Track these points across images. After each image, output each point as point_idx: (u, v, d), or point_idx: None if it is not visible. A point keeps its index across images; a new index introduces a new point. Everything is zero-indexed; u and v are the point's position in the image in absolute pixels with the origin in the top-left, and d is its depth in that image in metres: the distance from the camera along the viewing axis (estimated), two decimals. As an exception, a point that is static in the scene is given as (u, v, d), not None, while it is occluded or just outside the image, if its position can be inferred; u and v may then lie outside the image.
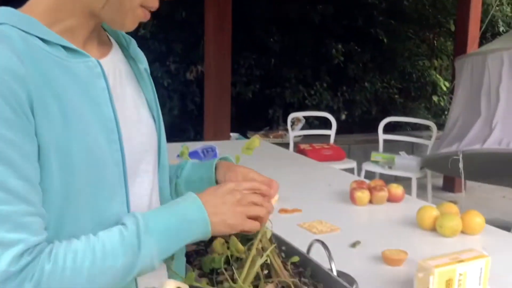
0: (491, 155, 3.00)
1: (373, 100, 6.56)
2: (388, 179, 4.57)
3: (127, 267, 0.73)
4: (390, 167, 4.18)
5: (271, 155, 2.99)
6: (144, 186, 0.87)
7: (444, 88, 6.93)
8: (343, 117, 6.34)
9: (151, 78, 0.94)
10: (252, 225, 0.86)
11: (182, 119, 5.54)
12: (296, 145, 4.52)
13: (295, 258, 1.01)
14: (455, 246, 1.62)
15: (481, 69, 3.19)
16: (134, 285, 0.80)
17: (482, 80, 3.17)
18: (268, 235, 1.01)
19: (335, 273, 1.05)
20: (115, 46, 0.89)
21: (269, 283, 0.89)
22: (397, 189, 2.04)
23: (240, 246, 0.90)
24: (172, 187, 1.04)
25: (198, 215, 0.80)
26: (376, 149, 4.50)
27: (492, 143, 2.89)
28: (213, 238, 0.90)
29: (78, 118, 0.73)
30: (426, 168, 4.13)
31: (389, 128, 4.69)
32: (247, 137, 4.98)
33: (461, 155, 3.00)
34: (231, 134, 4.94)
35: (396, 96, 6.80)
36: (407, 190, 3.96)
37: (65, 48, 0.76)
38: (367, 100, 6.48)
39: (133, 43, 0.93)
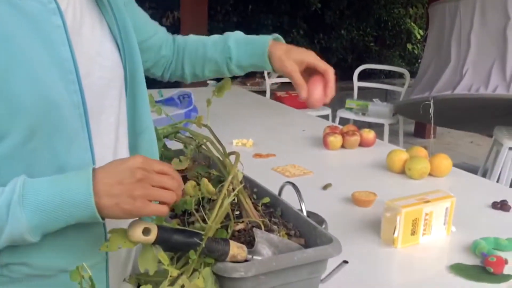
0: (461, 100, 3.05)
1: (349, 48, 6.54)
2: (362, 126, 4.64)
3: None
4: (363, 114, 4.23)
5: (248, 102, 2.99)
6: (109, 121, 0.84)
7: (419, 36, 6.94)
8: (319, 64, 6.32)
9: (113, 2, 0.86)
10: (155, 210, 0.71)
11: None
12: (273, 92, 4.52)
13: (266, 199, 1.03)
14: (423, 188, 1.67)
15: (453, 16, 3.19)
16: (102, 227, 0.80)
17: (453, 27, 3.18)
18: (240, 178, 1.02)
19: (305, 213, 1.08)
20: None
21: (240, 223, 0.92)
22: (368, 134, 2.08)
23: (210, 188, 0.91)
24: (224, 69, 1.12)
25: (82, 198, 0.67)
26: (351, 96, 4.53)
27: (462, 89, 2.94)
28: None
29: (28, 61, 0.69)
30: (398, 115, 4.19)
31: (364, 76, 4.71)
32: (223, 85, 4.94)
33: (432, 101, 3.04)
34: (208, 81, 4.89)
35: (372, 44, 6.79)
36: (380, 136, 4.05)
37: None
38: (343, 47, 6.45)
39: None
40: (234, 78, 5.24)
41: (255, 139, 2.08)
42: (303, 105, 4.23)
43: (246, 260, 0.79)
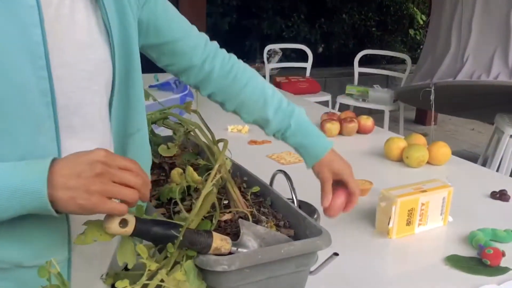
0: (462, 87, 3.01)
1: (351, 33, 6.46)
2: (362, 112, 4.59)
3: None
4: (364, 100, 4.18)
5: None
6: (87, 117, 0.78)
7: (421, 22, 6.85)
8: (320, 49, 6.25)
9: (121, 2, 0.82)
10: (111, 208, 0.65)
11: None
12: (272, 78, 4.46)
13: (255, 188, 1.00)
14: (421, 176, 1.64)
15: (455, 1, 3.12)
16: (65, 222, 0.75)
17: (454, 13, 3.12)
18: (228, 166, 0.99)
19: (296, 202, 1.05)
20: None
21: (226, 213, 0.88)
22: (367, 120, 2.04)
23: (196, 176, 0.87)
24: (269, 131, 1.06)
25: (35, 188, 0.63)
26: (352, 82, 4.48)
27: (464, 76, 2.89)
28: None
29: None
30: (399, 101, 4.14)
31: (365, 62, 4.65)
32: (222, 70, 4.88)
33: (433, 87, 3.00)
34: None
35: (373, 29, 6.70)
36: (380, 122, 4.01)
37: None
38: (344, 32, 6.37)
39: None
40: (233, 63, 5.13)
41: (251, 125, 2.03)
42: (302, 90, 4.19)
43: (230, 253, 0.76)
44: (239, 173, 1.10)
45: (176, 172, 0.94)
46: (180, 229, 0.70)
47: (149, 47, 0.95)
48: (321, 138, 1.04)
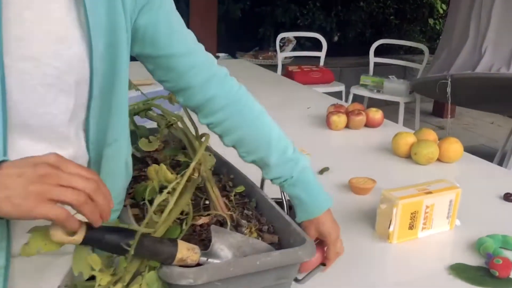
0: (481, 80, 2.87)
1: (368, 21, 6.29)
2: (377, 103, 4.47)
3: None
4: (378, 91, 4.06)
5: (252, 77, 2.85)
6: (48, 117, 0.71)
7: (441, 11, 6.63)
8: (336, 38, 6.10)
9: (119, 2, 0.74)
10: (46, 212, 0.57)
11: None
12: (285, 67, 4.36)
13: (240, 188, 0.92)
14: (430, 174, 1.54)
15: (475, -10, 2.98)
16: (4, 227, 0.68)
17: (474, 2, 2.97)
18: (210, 163, 0.91)
19: (285, 204, 0.97)
20: None
21: (203, 216, 0.81)
22: (375, 113, 1.94)
23: (169, 175, 0.80)
24: (268, 176, 0.93)
25: None
26: (367, 72, 4.35)
27: (483, 69, 2.75)
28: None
29: None
30: (415, 93, 4.01)
31: (382, 51, 4.51)
32: (235, 58, 4.80)
33: (449, 79, 2.87)
34: (219, 54, 4.75)
35: (392, 17, 6.52)
36: (395, 115, 3.89)
37: None
38: (361, 21, 6.21)
39: None
40: (246, 50, 5.07)
41: (254, 116, 1.95)
42: (314, 80, 4.08)
43: (199, 264, 0.68)
44: (226, 171, 1.02)
45: (153, 169, 0.86)
46: (137, 237, 0.62)
47: (145, 57, 0.85)
48: (321, 196, 0.94)
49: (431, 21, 6.67)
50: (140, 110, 1.03)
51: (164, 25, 0.83)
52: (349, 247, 1.10)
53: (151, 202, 0.79)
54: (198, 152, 0.83)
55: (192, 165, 0.79)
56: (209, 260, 0.69)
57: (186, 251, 0.66)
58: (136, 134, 1.13)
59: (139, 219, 0.83)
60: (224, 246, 0.71)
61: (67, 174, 0.59)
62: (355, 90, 4.15)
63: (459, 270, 1.03)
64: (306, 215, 0.92)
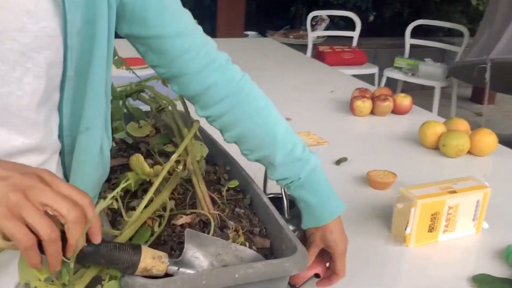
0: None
1: (406, 0, 6.02)
2: (411, 88, 4.27)
3: None
4: (413, 75, 3.86)
5: (276, 57, 2.73)
6: (12, 98, 0.62)
7: (486, -10, 6.29)
8: (371, 18, 5.87)
9: None
10: (13, 230, 0.49)
11: (196, 12, 5.20)
12: (315, 47, 4.20)
13: (234, 183, 0.82)
14: (458, 169, 1.41)
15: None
16: None
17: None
18: (202, 153, 0.81)
19: (285, 201, 0.87)
20: None
21: (184, 215, 0.71)
22: (403, 99, 1.80)
23: (146, 168, 0.70)
24: (272, 176, 0.83)
25: None
26: (403, 54, 4.15)
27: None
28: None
29: None
30: (452, 77, 3.80)
31: (420, 33, 4.28)
32: (265, 36, 4.67)
33: (489, 64, 2.67)
34: (248, 32, 4.62)
35: (432, -3, 6.22)
36: (430, 100, 3.70)
37: None
38: (399, 0, 5.94)
39: None
40: (277, 28, 4.92)
41: (272, 98, 1.84)
42: (346, 62, 3.92)
43: (169, 275, 0.59)
44: (223, 161, 0.92)
45: (135, 159, 0.77)
46: (86, 244, 0.53)
47: (135, 38, 0.75)
48: (331, 200, 0.82)
49: (473, 1, 6.32)
50: (132, 91, 0.94)
51: (156, 1, 0.73)
52: (361, 248, 1.00)
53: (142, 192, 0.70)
54: (183, 141, 0.73)
55: (174, 156, 0.70)
56: (180, 270, 0.59)
57: (150, 260, 0.57)
58: (133, 117, 1.04)
59: (117, 215, 0.75)
60: (200, 253, 0.61)
61: (54, 193, 0.52)
62: (389, 73, 3.97)
63: (482, 282, 0.91)
64: (313, 221, 0.82)
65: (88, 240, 0.53)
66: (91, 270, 0.55)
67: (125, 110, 0.98)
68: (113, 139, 0.97)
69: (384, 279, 0.94)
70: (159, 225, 0.66)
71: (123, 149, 0.94)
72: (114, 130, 0.99)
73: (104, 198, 0.77)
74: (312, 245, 0.82)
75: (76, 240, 0.51)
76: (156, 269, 0.57)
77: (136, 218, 0.63)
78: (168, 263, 0.58)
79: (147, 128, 0.90)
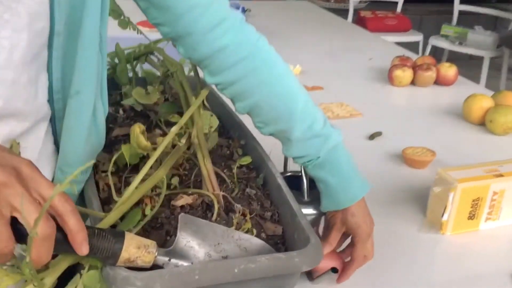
0: None
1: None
2: (459, 57, 4.03)
3: None
4: (461, 43, 3.63)
5: (316, 21, 2.58)
6: None
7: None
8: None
9: None
10: None
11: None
12: (357, 11, 4.00)
13: (245, 159, 0.73)
14: (506, 149, 1.27)
15: None
16: None
17: None
18: (206, 126, 0.72)
19: (305, 180, 0.77)
20: None
21: (186, 196, 0.63)
22: (448, 69, 1.65)
23: (142, 141, 0.62)
24: (287, 152, 0.74)
25: None
26: (450, 21, 3.90)
27: None
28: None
29: None
30: (503, 47, 3.55)
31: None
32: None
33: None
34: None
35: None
36: (479, 71, 3.48)
37: None
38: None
39: None
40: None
41: (306, 65, 1.73)
42: (389, 28, 3.72)
43: (159, 267, 0.51)
44: (237, 134, 0.83)
45: (137, 129, 0.69)
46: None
47: None
48: (353, 183, 0.72)
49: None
50: (140, 54, 0.86)
51: None
52: (391, 234, 0.90)
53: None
54: (187, 111, 0.64)
55: (175, 128, 0.61)
56: (172, 261, 0.52)
57: (135, 249, 0.49)
58: (146, 81, 0.96)
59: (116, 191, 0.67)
60: (195, 242, 0.53)
61: (28, 199, 0.44)
62: (434, 41, 3.75)
63: (528, 279, 0.80)
64: (332, 204, 0.72)
65: (57, 223, 0.45)
66: (65, 259, 0.48)
67: (134, 76, 0.90)
68: (121, 105, 0.90)
69: (415, 269, 0.84)
70: (154, 206, 0.58)
71: (130, 117, 0.86)
72: (124, 96, 0.92)
73: (103, 171, 0.71)
74: (333, 228, 0.74)
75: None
76: (142, 260, 0.49)
77: (126, 198, 0.55)
78: (157, 254, 0.50)
79: (155, 95, 0.81)
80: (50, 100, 0.63)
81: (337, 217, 0.73)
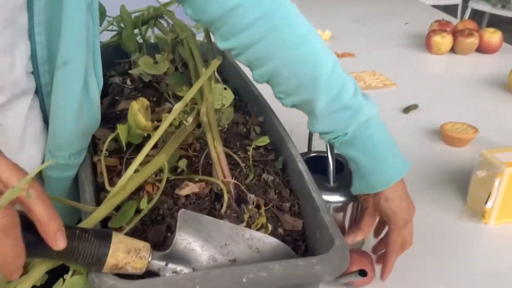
0: None
1: None
2: (501, 21, 3.80)
3: None
4: (504, 6, 3.40)
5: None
6: None
7: None
8: None
9: None
10: None
11: None
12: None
13: (263, 140, 0.64)
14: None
15: None
16: None
17: None
18: (217, 102, 0.63)
19: (331, 162, 0.68)
20: None
21: (191, 184, 0.55)
22: (492, 35, 1.51)
23: (141, 120, 0.53)
24: (313, 128, 0.64)
25: None
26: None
27: None
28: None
29: None
30: (551, 11, 3.32)
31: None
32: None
33: None
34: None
35: None
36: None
37: None
38: None
39: None
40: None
41: (336, 31, 1.61)
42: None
43: (155, 274, 0.43)
44: (256, 109, 0.74)
45: (139, 104, 0.60)
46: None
47: None
48: (389, 163, 0.62)
49: None
50: (149, 17, 0.76)
51: None
52: (426, 220, 0.81)
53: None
54: (196, 83, 0.55)
55: (179, 105, 0.52)
56: (169, 266, 0.44)
57: (124, 254, 0.41)
58: (158, 49, 0.87)
59: (114, 173, 0.59)
60: (198, 244, 0.45)
61: None
62: (474, 4, 3.53)
63: None
64: (364, 187, 0.63)
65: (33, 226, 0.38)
66: (41, 264, 0.41)
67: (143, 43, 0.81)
68: (129, 75, 0.81)
69: (454, 261, 0.75)
70: (153, 196, 0.50)
71: (139, 88, 0.78)
72: (133, 65, 0.83)
73: (102, 150, 0.63)
74: (365, 213, 0.66)
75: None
76: (132, 267, 0.41)
77: (120, 188, 0.47)
78: (150, 258, 0.42)
79: (164, 65, 0.72)
80: (35, 73, 0.55)
81: (369, 201, 0.64)
